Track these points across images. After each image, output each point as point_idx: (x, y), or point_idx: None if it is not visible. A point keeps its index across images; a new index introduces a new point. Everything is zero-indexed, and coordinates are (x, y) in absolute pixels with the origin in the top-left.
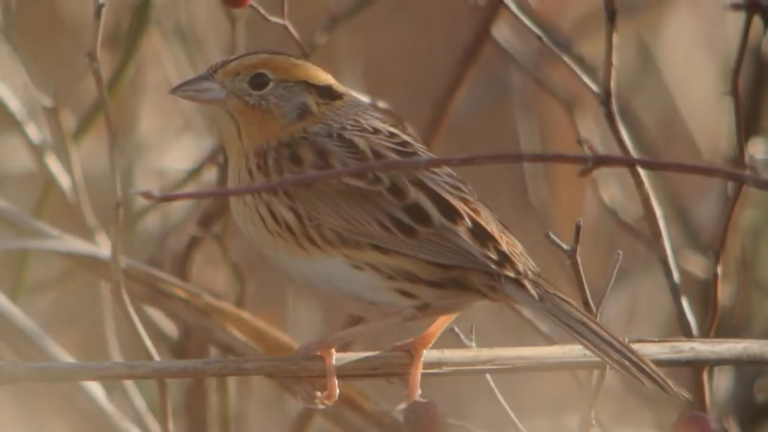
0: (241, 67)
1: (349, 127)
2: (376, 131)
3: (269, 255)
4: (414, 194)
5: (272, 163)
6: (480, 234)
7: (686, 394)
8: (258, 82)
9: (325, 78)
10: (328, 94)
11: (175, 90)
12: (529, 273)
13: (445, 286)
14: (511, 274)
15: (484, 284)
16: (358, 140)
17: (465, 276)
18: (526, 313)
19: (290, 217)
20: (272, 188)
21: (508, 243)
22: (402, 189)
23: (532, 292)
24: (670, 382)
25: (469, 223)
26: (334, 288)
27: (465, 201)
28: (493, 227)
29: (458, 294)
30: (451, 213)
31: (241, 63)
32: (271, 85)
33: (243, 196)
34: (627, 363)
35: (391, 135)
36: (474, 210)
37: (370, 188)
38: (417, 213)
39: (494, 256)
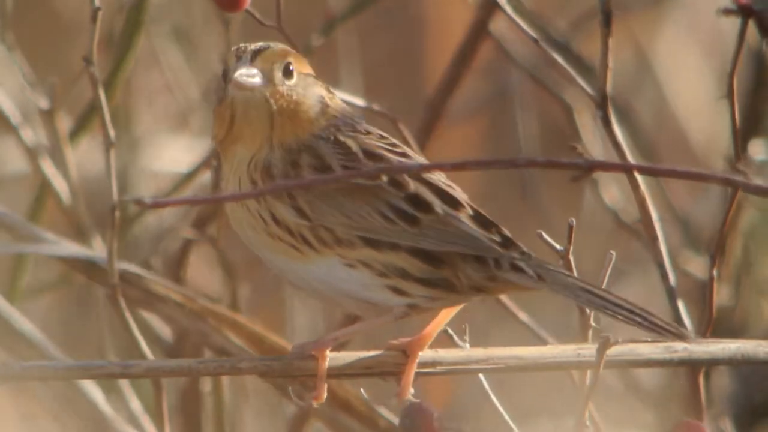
0: (275, 56)
1: (342, 128)
2: (368, 133)
3: (267, 259)
4: (414, 186)
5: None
6: (482, 220)
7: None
8: (288, 72)
9: None
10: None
11: (233, 81)
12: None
13: (436, 285)
14: (517, 256)
15: (481, 276)
16: (351, 143)
17: (455, 275)
18: (522, 315)
19: (291, 216)
20: (264, 193)
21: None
22: (402, 182)
23: (531, 272)
24: (680, 327)
25: (471, 211)
26: (331, 288)
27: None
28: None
29: (449, 295)
30: (452, 202)
31: (274, 52)
32: (296, 76)
33: (246, 202)
34: (638, 318)
35: (382, 137)
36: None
37: (370, 183)
38: (418, 202)
39: (498, 239)
